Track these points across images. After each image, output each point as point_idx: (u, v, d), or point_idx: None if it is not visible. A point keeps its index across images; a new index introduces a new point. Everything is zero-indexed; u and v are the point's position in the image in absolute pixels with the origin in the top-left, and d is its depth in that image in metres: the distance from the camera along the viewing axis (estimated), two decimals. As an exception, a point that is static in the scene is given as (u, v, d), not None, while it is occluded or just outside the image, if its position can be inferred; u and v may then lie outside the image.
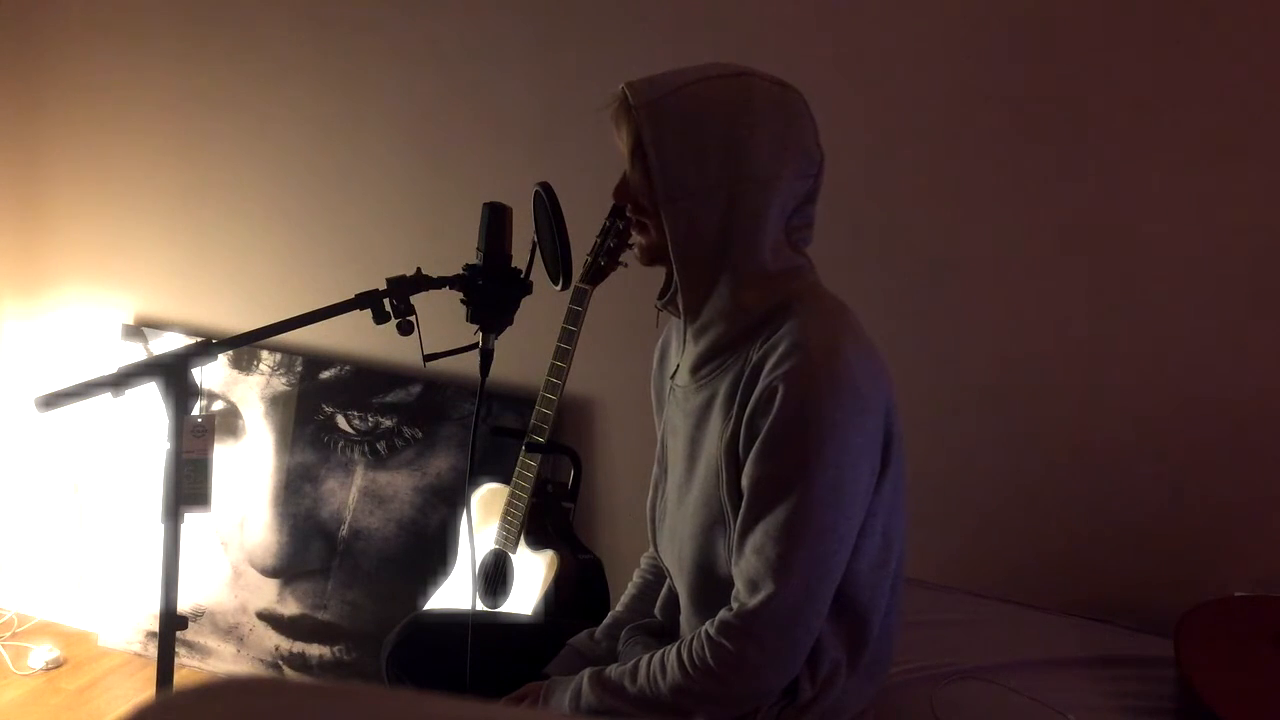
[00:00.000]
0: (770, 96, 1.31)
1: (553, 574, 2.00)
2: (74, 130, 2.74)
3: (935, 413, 2.12)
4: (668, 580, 1.57)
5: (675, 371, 1.47)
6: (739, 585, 1.31)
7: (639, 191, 1.34)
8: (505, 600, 2.05)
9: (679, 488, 1.45)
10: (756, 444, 1.28)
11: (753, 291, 1.32)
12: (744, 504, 1.30)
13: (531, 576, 2.02)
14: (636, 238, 1.40)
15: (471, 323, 1.42)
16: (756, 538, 1.28)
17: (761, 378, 1.28)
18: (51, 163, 2.78)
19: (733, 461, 1.32)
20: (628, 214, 1.39)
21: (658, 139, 1.29)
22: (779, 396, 1.25)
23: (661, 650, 1.38)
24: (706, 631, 1.32)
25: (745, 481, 1.30)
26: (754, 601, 1.28)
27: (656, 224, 1.33)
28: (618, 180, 1.38)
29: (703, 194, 1.29)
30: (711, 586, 1.38)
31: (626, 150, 1.34)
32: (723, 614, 1.32)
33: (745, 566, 1.30)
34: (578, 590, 2.03)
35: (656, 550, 1.56)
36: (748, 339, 1.33)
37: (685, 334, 1.42)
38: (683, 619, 1.49)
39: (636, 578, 1.69)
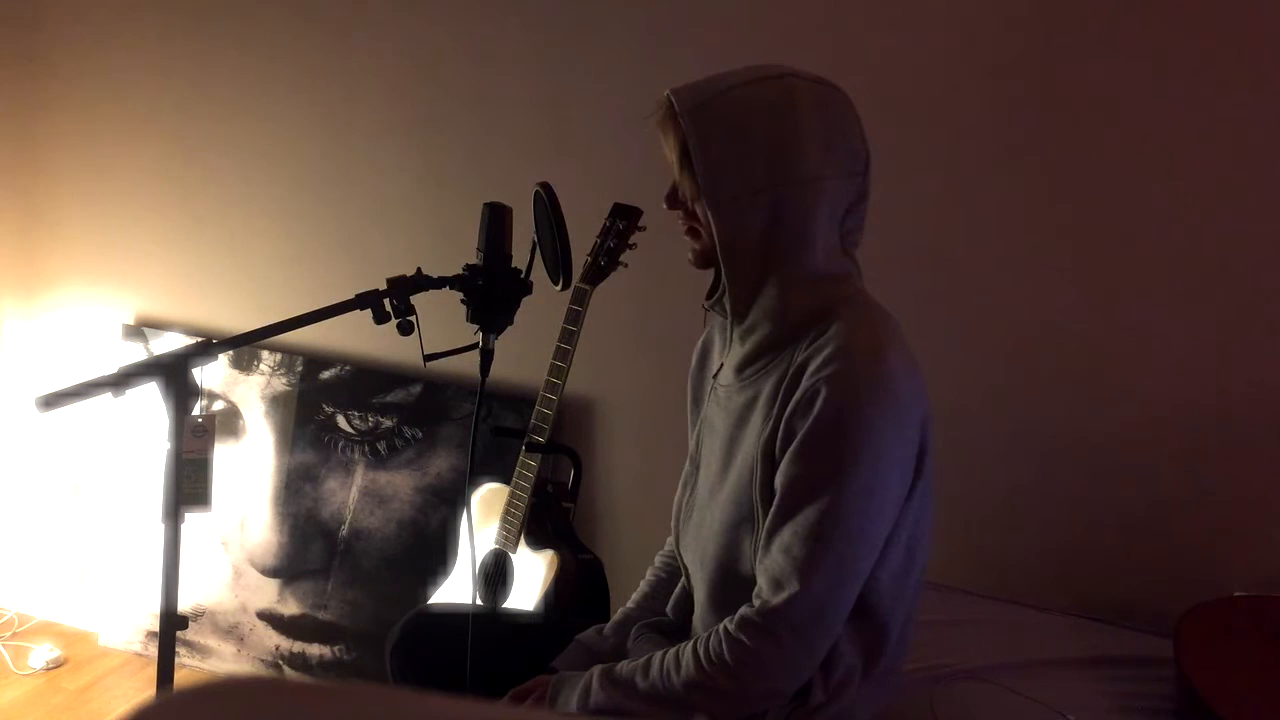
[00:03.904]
0: (814, 97, 1.32)
1: (553, 574, 2.00)
2: (74, 130, 2.74)
3: (935, 413, 2.12)
4: (681, 579, 1.58)
5: (718, 371, 1.48)
6: (762, 583, 1.31)
7: (689, 197, 1.35)
8: (505, 600, 2.05)
9: (712, 485, 1.45)
10: (794, 444, 1.28)
11: (800, 293, 1.33)
12: (775, 503, 1.30)
13: (531, 576, 2.02)
14: (689, 242, 1.40)
15: (471, 323, 1.42)
16: (785, 537, 1.28)
17: (805, 379, 1.28)
18: (51, 163, 2.78)
19: (768, 460, 1.33)
20: (680, 221, 1.40)
21: (705, 144, 1.30)
22: (820, 398, 1.26)
23: (676, 646, 1.38)
24: (725, 627, 1.32)
25: (779, 480, 1.30)
26: (777, 600, 1.28)
27: (707, 227, 1.34)
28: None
29: (749, 195, 1.30)
30: (732, 585, 1.38)
31: (675, 157, 1.34)
32: (744, 610, 1.32)
33: (770, 565, 1.30)
34: (578, 590, 2.03)
35: (678, 546, 1.56)
36: (793, 340, 1.34)
37: (731, 334, 1.43)
38: (696, 617, 1.49)
39: (649, 575, 1.69)
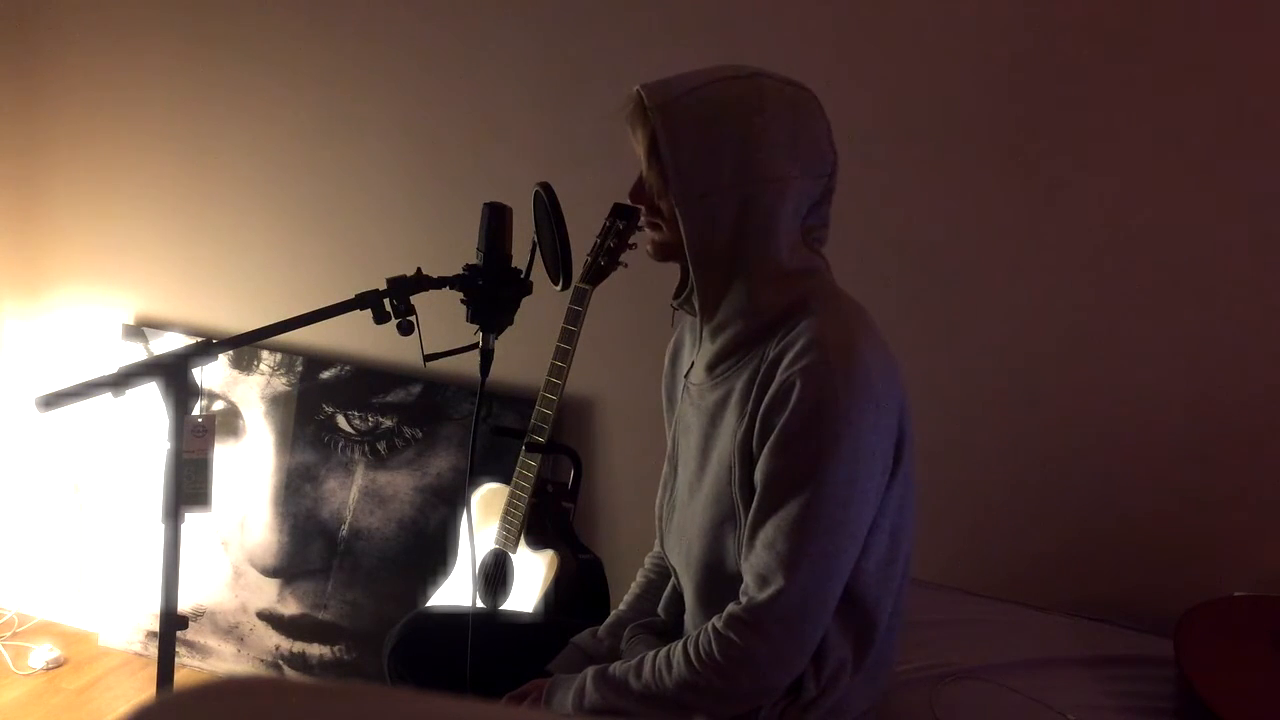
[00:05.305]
0: (782, 97, 1.32)
1: (553, 574, 2.00)
2: (74, 130, 2.74)
3: (935, 412, 2.12)
4: (672, 579, 1.58)
5: (690, 369, 1.48)
6: (748, 580, 1.31)
7: (655, 192, 1.35)
8: (505, 600, 2.05)
9: (690, 485, 1.46)
10: (771, 439, 1.28)
11: (770, 290, 1.34)
12: (756, 498, 1.30)
13: (531, 576, 2.02)
14: (649, 234, 1.41)
15: (471, 323, 1.42)
16: (768, 532, 1.29)
17: (778, 373, 1.29)
18: (51, 163, 2.78)
19: (745, 457, 1.33)
20: (642, 217, 1.40)
21: (673, 140, 1.30)
22: (795, 392, 1.26)
23: (668, 646, 1.38)
24: (713, 625, 1.32)
25: (758, 476, 1.30)
26: (763, 595, 1.28)
27: (670, 223, 1.35)
28: (631, 182, 1.39)
29: (717, 193, 1.30)
30: (719, 584, 1.39)
31: (643, 151, 1.35)
32: (731, 608, 1.32)
33: (755, 561, 1.30)
34: (578, 590, 2.03)
35: (663, 548, 1.56)
36: (764, 337, 1.34)
37: (701, 332, 1.43)
38: (687, 618, 1.49)
39: (640, 577, 1.69)
